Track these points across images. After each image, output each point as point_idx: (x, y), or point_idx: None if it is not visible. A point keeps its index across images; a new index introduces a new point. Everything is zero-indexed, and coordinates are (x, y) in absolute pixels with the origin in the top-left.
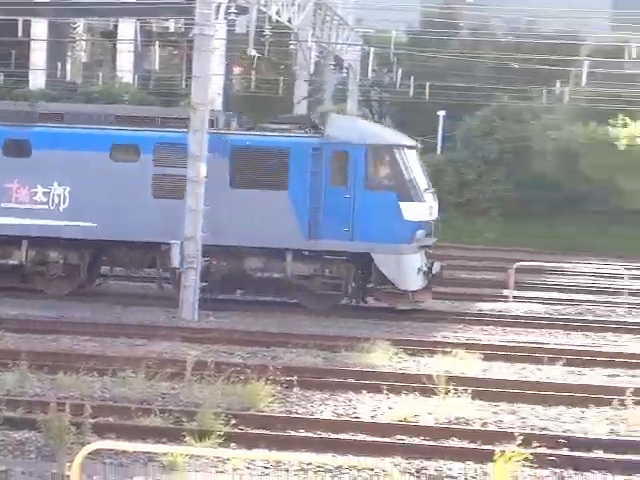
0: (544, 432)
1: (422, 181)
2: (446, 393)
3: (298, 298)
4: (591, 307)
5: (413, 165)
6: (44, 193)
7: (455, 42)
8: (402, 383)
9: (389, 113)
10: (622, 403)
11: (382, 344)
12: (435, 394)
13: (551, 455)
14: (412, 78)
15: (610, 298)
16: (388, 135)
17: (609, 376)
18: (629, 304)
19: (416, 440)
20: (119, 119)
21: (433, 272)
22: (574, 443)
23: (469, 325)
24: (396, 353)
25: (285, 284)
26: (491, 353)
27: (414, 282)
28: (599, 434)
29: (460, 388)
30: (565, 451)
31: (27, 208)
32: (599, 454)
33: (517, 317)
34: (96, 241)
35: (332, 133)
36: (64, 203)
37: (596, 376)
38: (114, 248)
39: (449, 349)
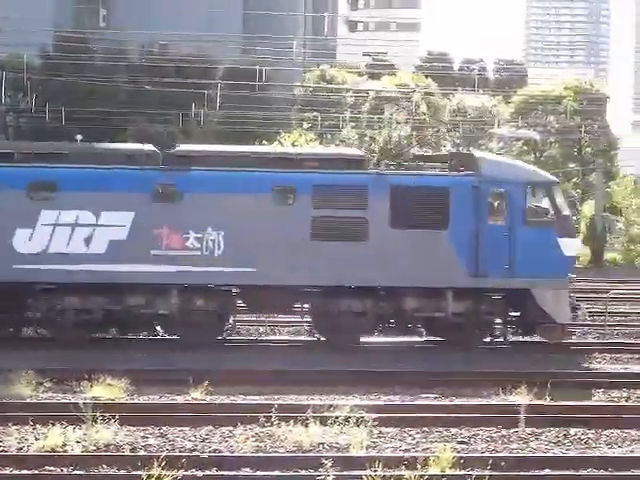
0: (192, 453)
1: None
2: (94, 421)
3: (446, 336)
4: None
5: (564, 201)
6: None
7: (91, 66)
8: (49, 413)
9: (26, 138)
10: (268, 420)
11: (26, 374)
12: (83, 422)
13: (199, 476)
14: (47, 103)
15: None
16: (542, 173)
17: (256, 395)
18: (269, 321)
19: (65, 470)
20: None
21: (573, 305)
22: (222, 462)
23: (125, 350)
24: (41, 383)
25: (444, 323)
26: (138, 379)
27: (568, 315)
28: (246, 452)
29: (108, 414)
30: (214, 471)
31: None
32: (247, 471)
33: (158, 340)
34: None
35: (489, 172)
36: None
37: (243, 395)
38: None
39: (97, 376)
